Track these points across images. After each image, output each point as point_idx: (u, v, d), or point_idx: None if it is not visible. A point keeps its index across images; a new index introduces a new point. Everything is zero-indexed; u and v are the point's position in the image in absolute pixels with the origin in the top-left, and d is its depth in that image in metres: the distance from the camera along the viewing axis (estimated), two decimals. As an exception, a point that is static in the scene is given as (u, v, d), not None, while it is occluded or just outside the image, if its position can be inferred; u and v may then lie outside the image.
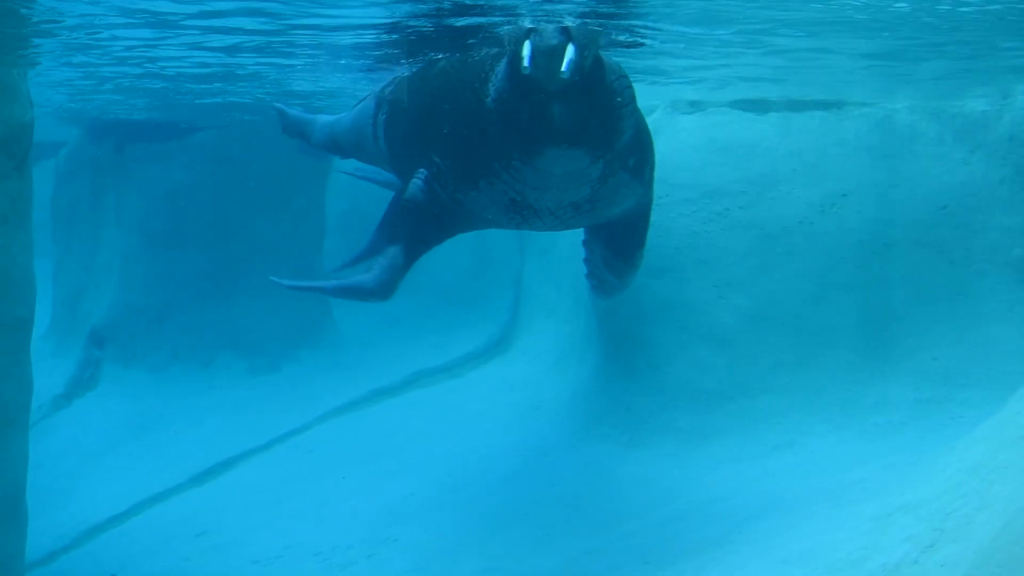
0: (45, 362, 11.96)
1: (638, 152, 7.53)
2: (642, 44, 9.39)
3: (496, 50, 7.37)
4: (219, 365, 15.61)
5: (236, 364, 15.72)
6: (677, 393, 11.53)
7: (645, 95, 8.22)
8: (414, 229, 7.75)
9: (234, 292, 15.88)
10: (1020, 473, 6.17)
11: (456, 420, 13.24)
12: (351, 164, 10.55)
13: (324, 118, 10.35)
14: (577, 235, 11.59)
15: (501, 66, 6.80)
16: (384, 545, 10.90)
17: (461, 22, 8.19)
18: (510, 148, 6.86)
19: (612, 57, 6.95)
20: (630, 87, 6.98)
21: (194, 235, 15.73)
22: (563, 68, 6.02)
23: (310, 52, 10.16)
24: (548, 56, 6.05)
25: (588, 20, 7.99)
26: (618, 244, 8.47)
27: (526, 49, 6.07)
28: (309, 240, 16.66)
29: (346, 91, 13.17)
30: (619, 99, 6.74)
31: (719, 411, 11.19)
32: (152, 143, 16.06)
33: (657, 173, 8.20)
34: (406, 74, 8.85)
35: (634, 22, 8.50)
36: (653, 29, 8.81)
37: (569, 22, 6.99)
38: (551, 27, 6.13)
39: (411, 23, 8.46)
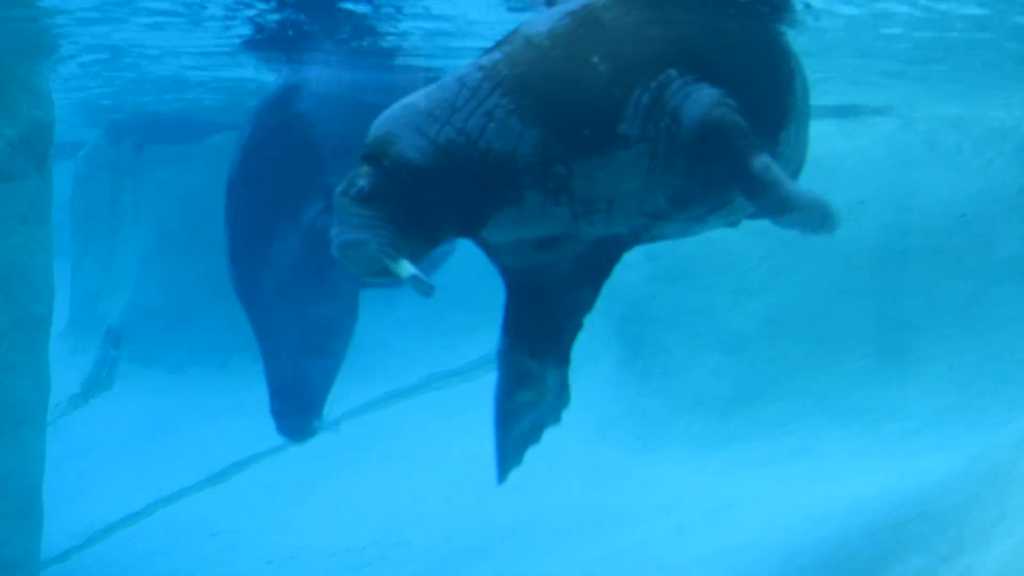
0: (62, 361, 12.01)
1: None
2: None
3: None
4: (235, 366, 15.60)
5: (252, 366, 15.69)
6: (691, 399, 11.52)
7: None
8: None
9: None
10: (1038, 483, 6.15)
11: (470, 423, 13.22)
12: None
13: None
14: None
15: None
16: (397, 548, 10.90)
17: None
18: None
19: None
20: None
21: (212, 237, 15.75)
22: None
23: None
24: None
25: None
26: None
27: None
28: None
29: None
30: None
31: (733, 417, 11.18)
32: (171, 144, 16.09)
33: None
34: None
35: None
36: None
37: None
38: None
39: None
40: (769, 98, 5.39)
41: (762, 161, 4.98)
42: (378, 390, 14.69)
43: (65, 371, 14.53)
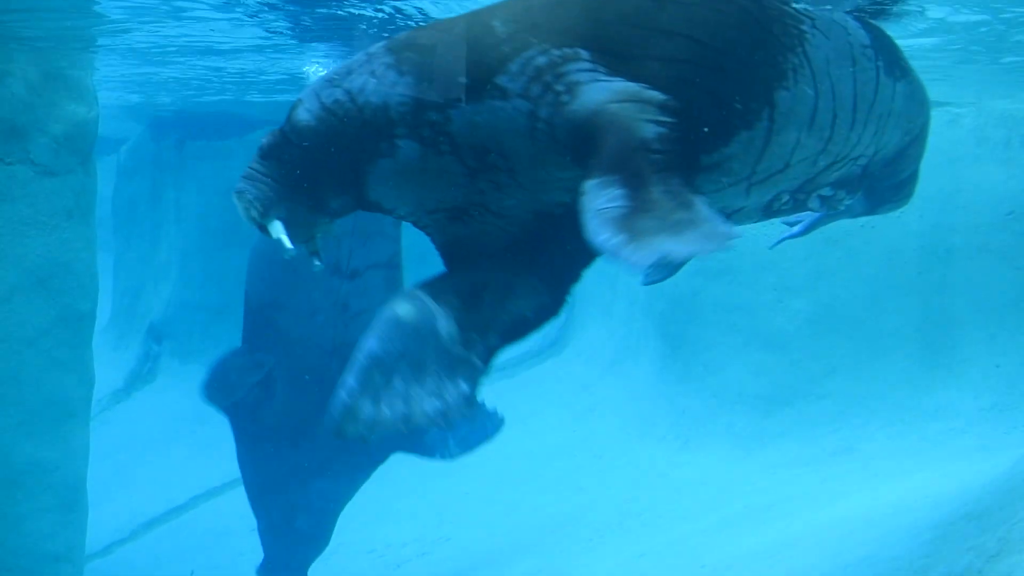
0: (105, 356, 12.08)
1: None
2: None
3: None
4: (275, 361, 15.67)
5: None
6: (733, 397, 11.49)
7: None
8: None
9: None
10: (1087, 483, 6.08)
11: (510, 420, 13.22)
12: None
13: None
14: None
15: None
16: (437, 544, 10.92)
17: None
18: None
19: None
20: None
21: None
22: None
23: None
24: None
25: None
26: None
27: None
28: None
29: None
30: None
31: (776, 416, 11.13)
32: (212, 140, 16.17)
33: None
34: None
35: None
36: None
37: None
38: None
39: None
40: (748, 89, 4.71)
41: (663, 188, 4.22)
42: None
43: (108, 366, 14.63)
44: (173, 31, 9.40)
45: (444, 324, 4.65)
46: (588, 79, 4.41)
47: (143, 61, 11.42)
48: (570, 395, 13.46)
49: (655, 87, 4.41)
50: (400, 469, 12.31)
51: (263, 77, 12.82)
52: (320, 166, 4.72)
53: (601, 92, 4.38)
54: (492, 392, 14.64)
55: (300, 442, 9.04)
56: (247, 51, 10.70)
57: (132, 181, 17.35)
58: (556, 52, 4.46)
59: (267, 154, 4.78)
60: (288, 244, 4.76)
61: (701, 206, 4.18)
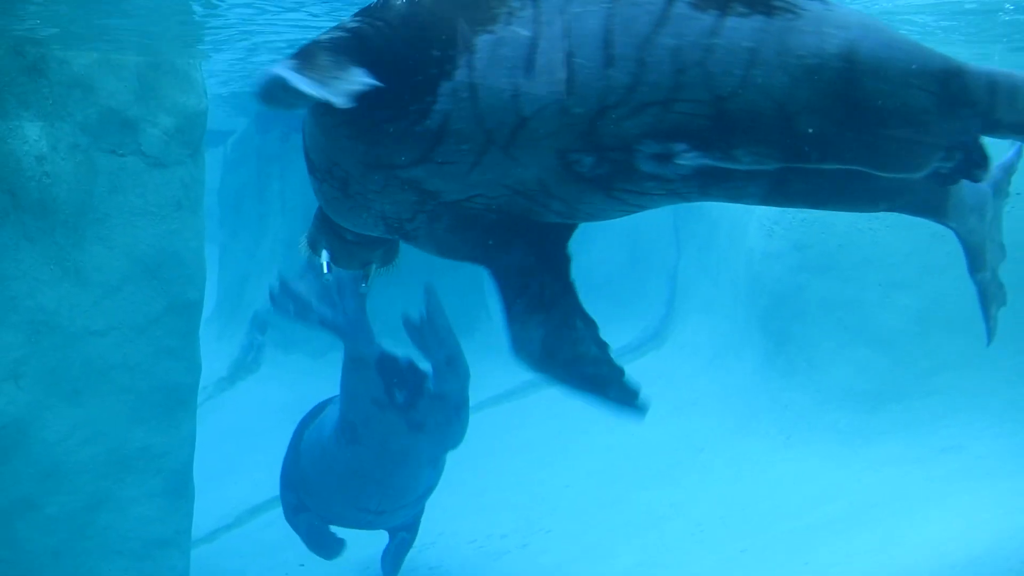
0: (210, 345, 12.27)
1: None
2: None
3: None
4: (377, 351, 15.81)
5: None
6: (837, 393, 11.33)
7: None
8: None
9: (393, 279, 16.04)
10: None
11: (610, 413, 13.19)
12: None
13: None
14: (735, 231, 11.30)
15: None
16: (538, 535, 10.94)
17: None
18: None
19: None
20: None
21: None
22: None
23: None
24: None
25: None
26: None
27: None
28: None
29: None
30: None
31: (881, 413, 10.96)
32: (317, 133, 16.35)
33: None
34: None
35: None
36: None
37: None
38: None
39: None
40: None
41: (330, 57, 4.44)
42: (517, 379, 14.75)
43: (213, 355, 14.88)
44: (284, 26, 9.53)
45: None
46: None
47: (251, 53, 11.60)
48: (671, 390, 13.38)
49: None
50: (500, 461, 12.38)
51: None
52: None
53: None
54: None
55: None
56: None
57: (238, 173, 17.62)
58: None
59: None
60: (325, 270, 5.16)
61: (356, 71, 4.25)
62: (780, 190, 4.63)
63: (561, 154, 4.47)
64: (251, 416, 14.70)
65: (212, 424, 13.22)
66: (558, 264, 4.80)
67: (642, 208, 4.76)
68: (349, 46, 4.46)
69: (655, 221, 15.76)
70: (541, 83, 4.42)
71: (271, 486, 10.73)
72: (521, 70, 4.43)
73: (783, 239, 11.79)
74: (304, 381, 15.25)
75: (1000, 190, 5.24)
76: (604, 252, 16.63)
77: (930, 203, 4.97)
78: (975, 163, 4.55)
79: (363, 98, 4.20)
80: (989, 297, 5.26)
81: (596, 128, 4.43)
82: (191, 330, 8.93)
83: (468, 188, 4.60)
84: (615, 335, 14.99)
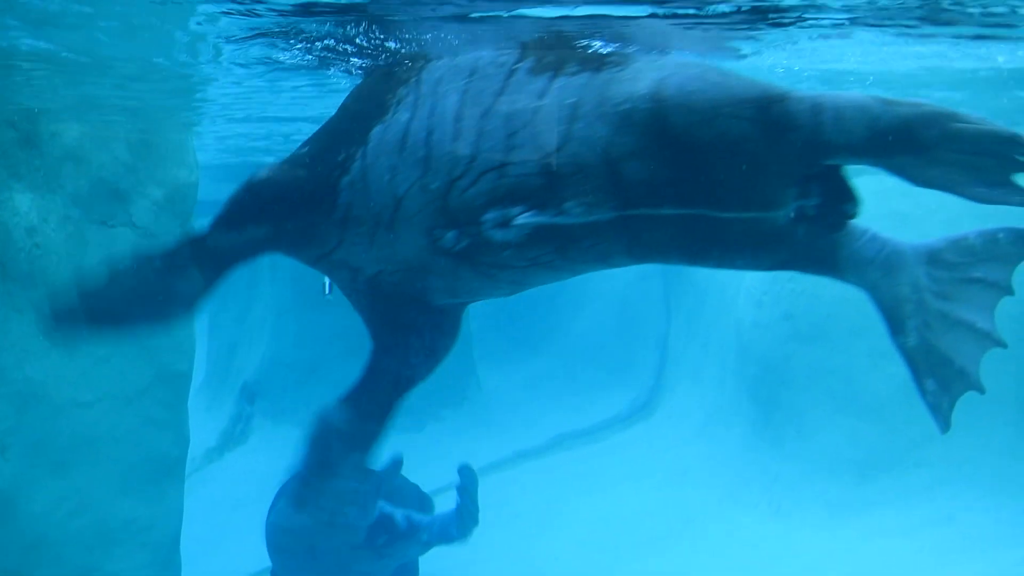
0: (198, 415, 12.22)
1: None
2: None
3: None
4: (365, 422, 15.73)
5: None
6: (826, 462, 11.31)
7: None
8: None
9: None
10: None
11: (600, 483, 13.15)
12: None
13: None
14: (724, 300, 11.30)
15: None
16: (528, 606, 10.86)
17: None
18: None
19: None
20: None
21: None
22: None
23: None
24: None
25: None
26: None
27: None
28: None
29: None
30: None
31: (871, 483, 10.93)
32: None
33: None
34: None
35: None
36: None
37: None
38: None
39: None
40: None
41: None
42: (507, 449, 14.69)
43: (201, 425, 14.81)
44: (270, 103, 9.58)
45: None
46: None
47: (241, 124, 11.65)
48: (659, 460, 13.35)
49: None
50: (488, 532, 12.29)
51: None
52: None
53: None
54: (581, 455, 14.61)
55: None
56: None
57: (227, 242, 17.61)
58: None
59: None
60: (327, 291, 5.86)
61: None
62: (641, 243, 4.67)
63: (429, 232, 4.83)
64: (240, 487, 14.58)
65: (200, 495, 13.13)
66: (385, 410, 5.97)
67: (518, 285, 4.98)
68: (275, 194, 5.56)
69: (645, 290, 15.80)
70: (408, 162, 4.81)
71: (260, 558, 10.65)
72: (396, 152, 4.86)
73: (772, 308, 11.83)
74: (292, 452, 15.15)
75: (937, 260, 4.94)
76: (594, 321, 16.66)
77: (817, 255, 4.87)
78: (839, 199, 4.56)
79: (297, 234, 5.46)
80: (919, 367, 4.90)
81: (448, 203, 4.73)
82: (179, 401, 8.91)
83: (375, 263, 5.11)
84: (605, 404, 15.04)
